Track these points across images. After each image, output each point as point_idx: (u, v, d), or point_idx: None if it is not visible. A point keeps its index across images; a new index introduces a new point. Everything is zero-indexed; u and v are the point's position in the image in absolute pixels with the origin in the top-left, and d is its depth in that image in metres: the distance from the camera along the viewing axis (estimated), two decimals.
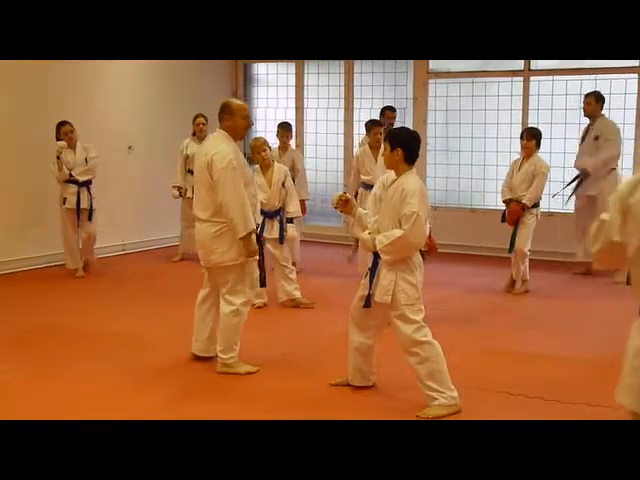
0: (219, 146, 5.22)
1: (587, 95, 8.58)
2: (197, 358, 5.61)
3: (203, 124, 9.35)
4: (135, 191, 10.04)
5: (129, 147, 9.97)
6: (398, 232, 4.54)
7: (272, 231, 7.14)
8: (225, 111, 5.33)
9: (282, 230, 7.15)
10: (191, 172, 9.40)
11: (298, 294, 7.19)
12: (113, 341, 6.11)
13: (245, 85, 11.63)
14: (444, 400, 4.60)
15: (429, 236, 6.69)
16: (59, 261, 8.73)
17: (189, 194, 9.42)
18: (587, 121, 9.03)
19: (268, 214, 7.10)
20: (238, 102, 5.54)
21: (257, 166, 7.26)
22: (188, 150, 9.36)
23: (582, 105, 8.56)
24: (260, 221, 5.88)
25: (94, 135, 8.76)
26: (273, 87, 11.45)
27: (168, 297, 7.61)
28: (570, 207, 9.43)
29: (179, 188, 9.37)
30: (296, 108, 11.20)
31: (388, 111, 8.91)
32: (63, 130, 8.29)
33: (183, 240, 9.56)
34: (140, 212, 10.05)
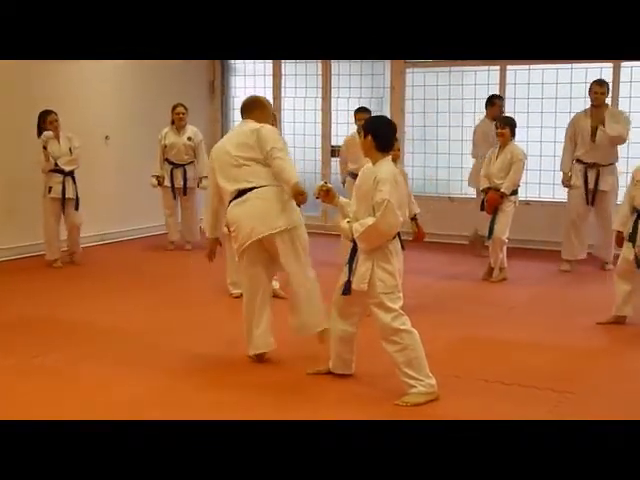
0: (258, 124, 5.29)
1: (600, 84, 8.25)
2: (258, 357, 5.41)
3: (183, 113, 9.36)
4: (113, 181, 9.99)
5: (106, 137, 9.92)
6: (370, 220, 4.54)
7: None
8: (256, 106, 5.47)
9: None
10: (169, 161, 9.42)
11: (276, 285, 7.18)
12: (93, 332, 6.09)
13: (223, 74, 11.60)
14: (422, 388, 4.62)
15: (416, 224, 6.74)
16: (33, 252, 8.73)
17: (167, 183, 9.43)
18: (564, 109, 9.12)
19: None
20: (263, 97, 5.69)
21: None
22: (166, 140, 9.34)
23: (594, 93, 8.19)
24: None
25: (71, 124, 8.68)
26: (251, 76, 11.42)
27: (148, 286, 7.62)
28: (546, 196, 9.53)
29: (157, 177, 9.38)
30: (274, 97, 11.16)
31: (497, 100, 8.58)
32: (49, 119, 8.28)
33: (171, 228, 9.55)
34: (118, 202, 10.00)
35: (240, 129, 5.44)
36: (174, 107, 9.38)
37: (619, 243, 6.34)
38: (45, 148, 8.23)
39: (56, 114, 8.30)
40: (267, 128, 5.29)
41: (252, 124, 5.33)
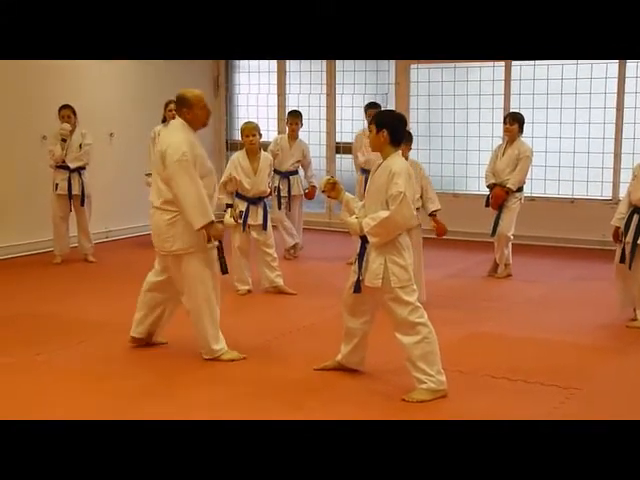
0: (173, 137, 5.13)
1: None
2: (135, 341, 5.58)
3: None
4: (118, 178, 9.98)
5: (110, 134, 9.91)
6: (384, 213, 4.52)
7: (256, 217, 7.09)
8: (183, 104, 5.21)
9: (266, 217, 7.11)
10: None
11: (280, 281, 7.16)
12: (89, 329, 6.09)
13: (227, 71, 11.59)
14: (432, 384, 4.60)
15: (436, 219, 6.72)
16: (38, 249, 8.81)
17: None
18: (570, 105, 9.11)
19: (252, 200, 7.08)
20: (195, 92, 5.28)
21: (243, 150, 7.12)
22: None
23: None
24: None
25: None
26: (255, 73, 11.40)
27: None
28: (551, 192, 9.51)
29: None
30: (278, 94, 11.16)
31: None
32: (61, 114, 8.28)
33: None
34: (123, 199, 10.00)
35: (162, 135, 5.37)
36: (167, 104, 9.25)
37: (615, 238, 6.22)
38: (64, 141, 8.23)
39: (71, 109, 8.29)
40: (173, 147, 5.05)
41: (170, 132, 5.23)
